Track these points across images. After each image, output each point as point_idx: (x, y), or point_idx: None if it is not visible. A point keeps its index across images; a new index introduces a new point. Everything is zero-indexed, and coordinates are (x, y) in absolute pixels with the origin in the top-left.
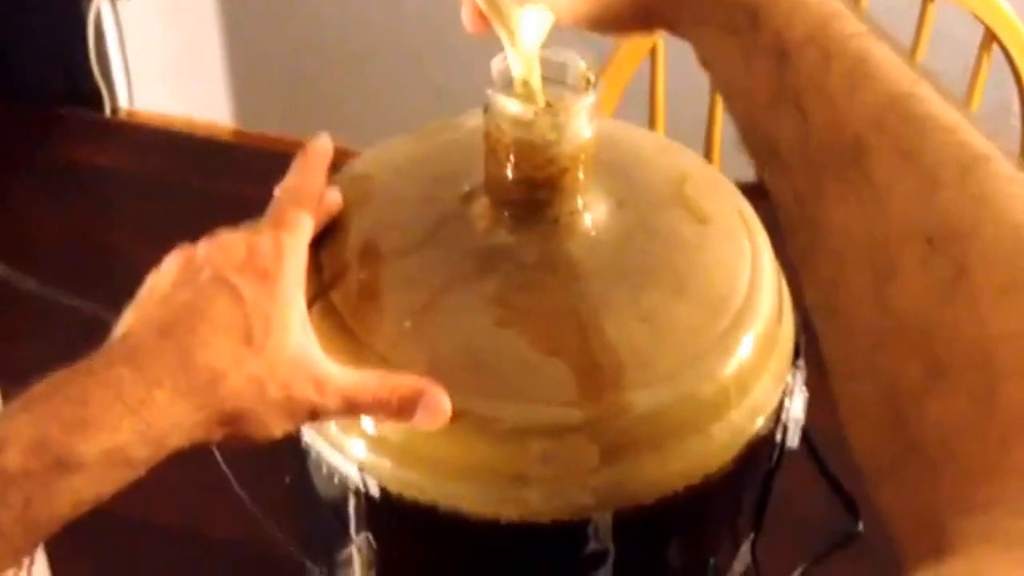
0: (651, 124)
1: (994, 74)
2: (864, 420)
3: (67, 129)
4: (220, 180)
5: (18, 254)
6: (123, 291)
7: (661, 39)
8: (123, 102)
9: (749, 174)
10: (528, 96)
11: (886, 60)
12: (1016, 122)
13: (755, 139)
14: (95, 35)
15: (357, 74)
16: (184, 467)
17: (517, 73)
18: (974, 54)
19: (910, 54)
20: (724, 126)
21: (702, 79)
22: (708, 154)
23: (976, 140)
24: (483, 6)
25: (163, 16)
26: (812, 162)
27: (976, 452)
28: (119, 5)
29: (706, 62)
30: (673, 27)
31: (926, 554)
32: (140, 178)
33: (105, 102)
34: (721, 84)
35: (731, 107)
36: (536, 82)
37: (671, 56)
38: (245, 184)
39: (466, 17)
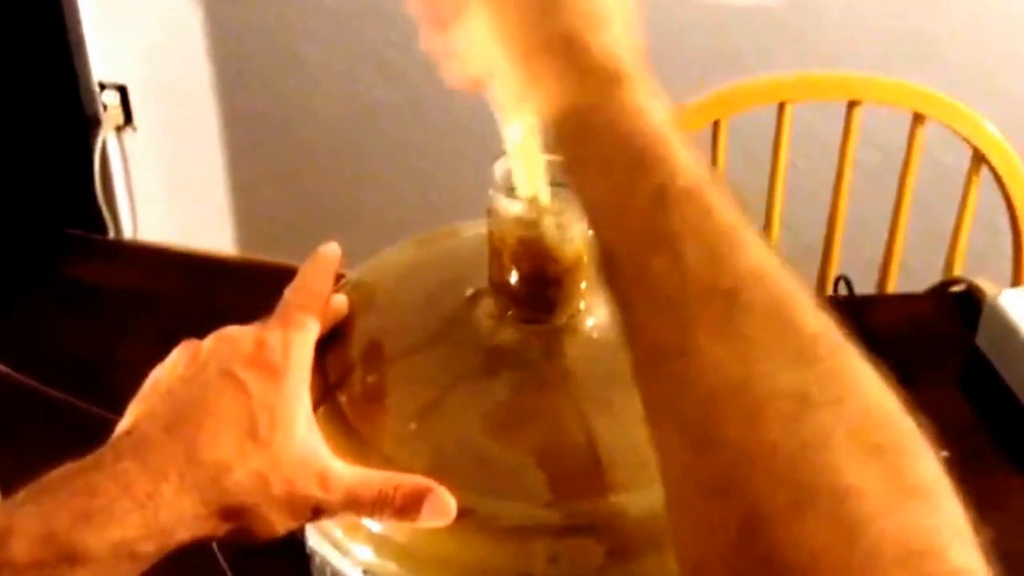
0: None
1: (983, 196)
2: (718, 534)
3: (74, 249)
4: (222, 295)
5: (27, 362)
6: (125, 394)
7: None
8: (127, 231)
9: None
10: (531, 195)
11: (752, 233)
12: (1006, 244)
13: (620, 264)
14: (100, 166)
15: (360, 209)
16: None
17: (520, 169)
18: (963, 176)
19: (900, 179)
20: None
21: None
22: None
23: (833, 323)
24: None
25: (167, 148)
26: (686, 299)
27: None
28: (124, 137)
29: (578, 186)
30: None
31: None
32: (143, 293)
33: (109, 230)
34: (590, 208)
35: (598, 229)
36: (540, 180)
37: None
38: (247, 299)
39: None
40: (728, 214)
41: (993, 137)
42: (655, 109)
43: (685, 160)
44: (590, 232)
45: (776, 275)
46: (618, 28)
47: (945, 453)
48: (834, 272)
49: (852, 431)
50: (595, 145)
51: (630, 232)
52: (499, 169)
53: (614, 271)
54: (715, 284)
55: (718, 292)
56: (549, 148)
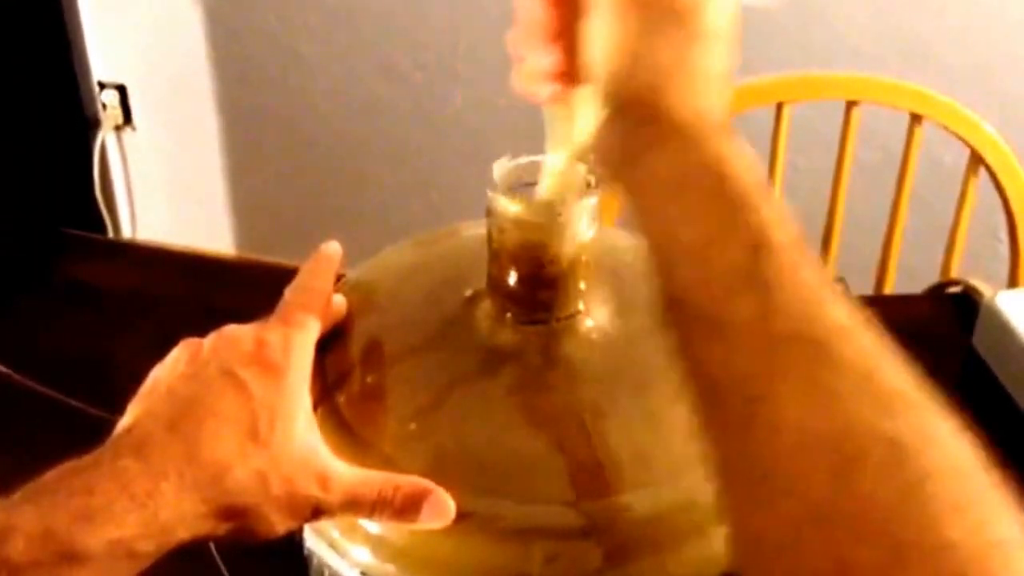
0: None
1: (980, 196)
2: None
3: (73, 248)
4: (222, 295)
5: (26, 362)
6: (125, 394)
7: None
8: (126, 230)
9: None
10: (561, 187)
11: (837, 293)
12: (1003, 246)
13: (696, 304)
14: (99, 166)
15: (360, 208)
16: None
17: (553, 167)
18: (961, 176)
19: (898, 178)
20: None
21: None
22: None
23: (916, 381)
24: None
25: (167, 148)
26: (772, 344)
27: None
28: (124, 137)
29: (651, 229)
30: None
31: None
32: (142, 293)
33: (108, 230)
34: (670, 246)
35: (675, 266)
36: (565, 178)
37: None
38: (247, 299)
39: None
40: (816, 271)
41: (990, 137)
42: (750, 163)
43: (779, 215)
44: (653, 269)
45: (862, 333)
46: (720, 89)
47: None
48: (832, 272)
49: (942, 482)
50: (692, 188)
51: (720, 274)
52: (499, 169)
53: (686, 307)
54: (803, 333)
55: (807, 341)
56: (614, 187)
